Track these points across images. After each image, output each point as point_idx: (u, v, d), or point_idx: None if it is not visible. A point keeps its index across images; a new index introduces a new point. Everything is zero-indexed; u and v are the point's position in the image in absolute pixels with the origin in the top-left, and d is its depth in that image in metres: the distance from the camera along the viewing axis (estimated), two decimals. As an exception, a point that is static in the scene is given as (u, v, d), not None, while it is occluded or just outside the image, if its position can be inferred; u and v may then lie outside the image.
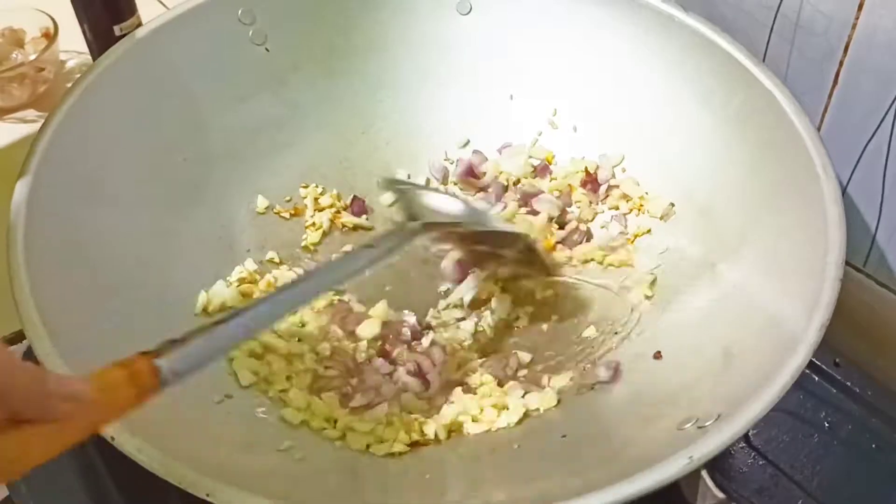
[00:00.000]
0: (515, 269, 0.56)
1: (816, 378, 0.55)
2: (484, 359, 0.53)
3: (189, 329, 0.33)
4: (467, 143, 0.64)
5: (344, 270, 0.44)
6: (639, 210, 0.58)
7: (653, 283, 0.55)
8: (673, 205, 0.57)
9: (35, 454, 0.27)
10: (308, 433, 0.47)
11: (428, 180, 0.63)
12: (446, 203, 0.53)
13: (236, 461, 0.42)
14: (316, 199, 0.60)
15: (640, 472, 0.36)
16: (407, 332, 0.53)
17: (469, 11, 0.62)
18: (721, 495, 0.45)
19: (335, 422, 0.48)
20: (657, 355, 0.50)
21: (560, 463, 0.44)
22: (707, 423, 0.39)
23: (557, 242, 0.58)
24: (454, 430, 0.49)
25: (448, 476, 0.46)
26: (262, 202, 0.60)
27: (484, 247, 0.55)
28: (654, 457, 0.37)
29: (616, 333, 0.53)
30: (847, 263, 0.44)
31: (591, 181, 0.60)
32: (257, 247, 0.58)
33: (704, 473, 0.47)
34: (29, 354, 0.41)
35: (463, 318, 0.55)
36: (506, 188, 0.62)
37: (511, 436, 0.48)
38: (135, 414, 0.31)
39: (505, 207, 0.60)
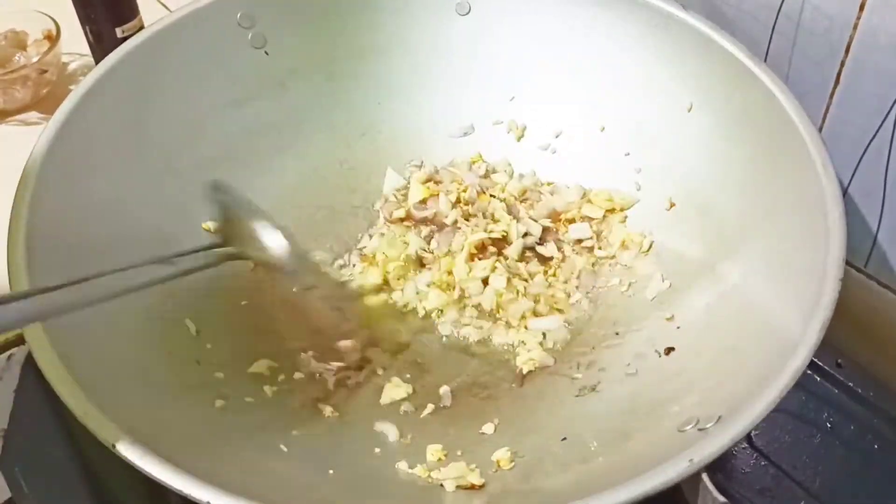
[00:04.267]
0: None
1: (818, 379, 0.54)
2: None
3: None
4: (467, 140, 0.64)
5: (134, 283, 0.42)
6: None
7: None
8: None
9: None
10: (307, 437, 0.47)
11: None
12: (271, 237, 0.49)
13: (237, 467, 0.42)
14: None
15: (640, 474, 0.35)
16: None
17: (468, 12, 0.62)
18: (722, 498, 0.45)
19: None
20: (667, 351, 0.50)
21: (560, 466, 0.44)
22: (708, 425, 0.39)
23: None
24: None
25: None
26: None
27: None
28: (655, 459, 0.37)
29: (617, 334, 0.53)
30: (848, 264, 0.44)
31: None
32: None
33: (705, 476, 0.47)
34: (29, 358, 0.41)
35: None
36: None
37: (512, 437, 0.48)
38: (136, 419, 0.31)
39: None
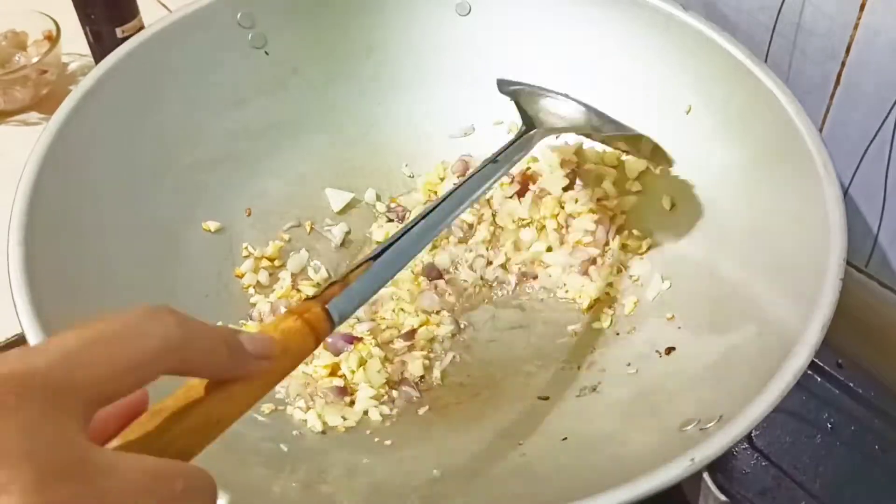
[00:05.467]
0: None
1: (819, 379, 0.54)
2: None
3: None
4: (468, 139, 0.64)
5: (476, 186, 0.44)
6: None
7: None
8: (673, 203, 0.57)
9: (234, 412, 0.27)
10: (309, 437, 0.47)
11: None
12: (564, 106, 0.54)
13: (238, 467, 0.42)
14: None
15: (641, 474, 0.35)
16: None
17: (468, 13, 0.62)
18: (723, 497, 0.45)
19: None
20: (667, 351, 0.50)
21: (561, 465, 0.44)
22: (709, 425, 0.39)
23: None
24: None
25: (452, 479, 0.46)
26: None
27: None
28: (656, 459, 0.37)
29: (617, 334, 0.53)
30: (849, 264, 0.44)
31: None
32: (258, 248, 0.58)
33: (706, 475, 0.47)
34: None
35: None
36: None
37: (512, 437, 0.48)
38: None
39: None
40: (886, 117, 0.51)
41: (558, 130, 0.55)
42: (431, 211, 0.41)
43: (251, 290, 0.56)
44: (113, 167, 0.52)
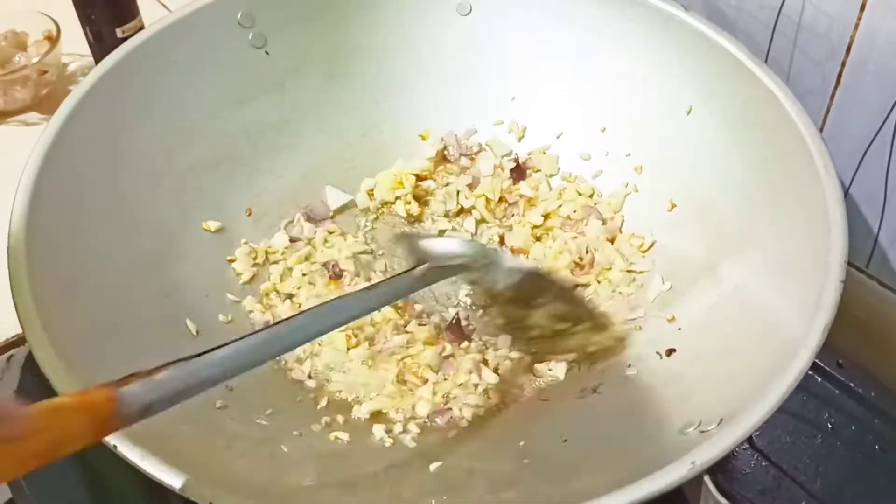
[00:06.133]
0: (553, 323, 0.53)
1: (819, 379, 0.54)
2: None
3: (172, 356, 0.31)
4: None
5: (346, 313, 0.41)
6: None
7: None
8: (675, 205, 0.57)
9: None
10: (309, 437, 0.47)
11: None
12: (452, 245, 0.51)
13: (239, 468, 0.42)
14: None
15: (641, 477, 0.35)
16: None
17: (469, 12, 0.62)
18: (724, 501, 0.45)
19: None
20: (668, 352, 0.50)
21: (561, 468, 0.44)
22: (709, 428, 0.39)
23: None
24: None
25: (449, 479, 0.46)
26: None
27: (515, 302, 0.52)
28: (656, 462, 0.36)
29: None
30: (849, 264, 0.43)
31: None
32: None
33: (706, 478, 0.47)
34: (30, 358, 0.41)
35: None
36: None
37: (513, 438, 0.48)
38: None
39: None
40: (887, 117, 0.51)
41: (446, 269, 0.49)
42: (282, 323, 0.38)
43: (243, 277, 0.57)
44: (113, 167, 0.52)
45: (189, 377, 0.32)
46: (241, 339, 0.35)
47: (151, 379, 0.30)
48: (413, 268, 0.46)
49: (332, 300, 0.41)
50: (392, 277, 0.47)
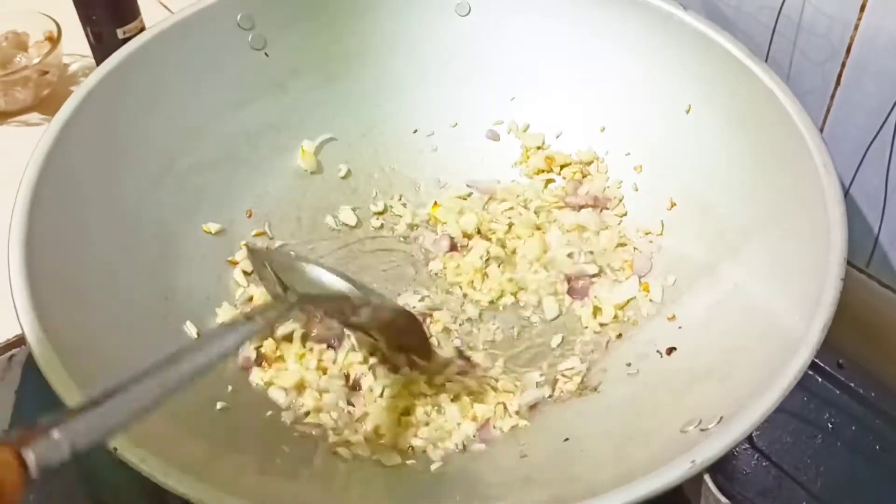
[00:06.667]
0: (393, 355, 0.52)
1: (819, 379, 0.54)
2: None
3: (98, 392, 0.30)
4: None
5: (223, 346, 0.39)
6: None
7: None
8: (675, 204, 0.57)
9: None
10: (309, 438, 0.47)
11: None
12: (323, 276, 0.48)
13: (240, 470, 0.42)
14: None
15: (642, 475, 0.36)
16: None
17: (468, 13, 0.62)
18: (724, 500, 0.45)
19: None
20: (668, 351, 0.50)
21: (562, 466, 0.44)
22: (710, 426, 0.39)
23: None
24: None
25: (451, 479, 0.46)
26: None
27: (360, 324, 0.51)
28: (657, 460, 0.37)
29: (619, 336, 0.53)
30: (849, 264, 0.44)
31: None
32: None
33: (707, 476, 0.47)
34: (31, 358, 0.41)
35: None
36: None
37: (514, 438, 0.48)
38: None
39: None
40: (887, 117, 0.51)
41: (319, 298, 0.48)
42: (166, 364, 0.35)
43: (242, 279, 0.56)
44: (113, 168, 0.52)
45: (96, 424, 0.29)
46: (127, 385, 0.32)
47: (56, 438, 0.28)
48: (284, 295, 0.45)
49: (201, 340, 0.41)
50: (265, 307, 0.46)
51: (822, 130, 0.55)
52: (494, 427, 0.49)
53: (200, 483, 0.36)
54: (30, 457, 0.26)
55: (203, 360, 0.37)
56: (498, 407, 0.50)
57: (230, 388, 0.49)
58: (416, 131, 0.64)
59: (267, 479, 0.43)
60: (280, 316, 0.45)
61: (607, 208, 0.59)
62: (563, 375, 0.51)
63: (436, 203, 0.61)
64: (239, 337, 0.41)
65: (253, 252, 0.54)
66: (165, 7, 0.81)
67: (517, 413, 0.49)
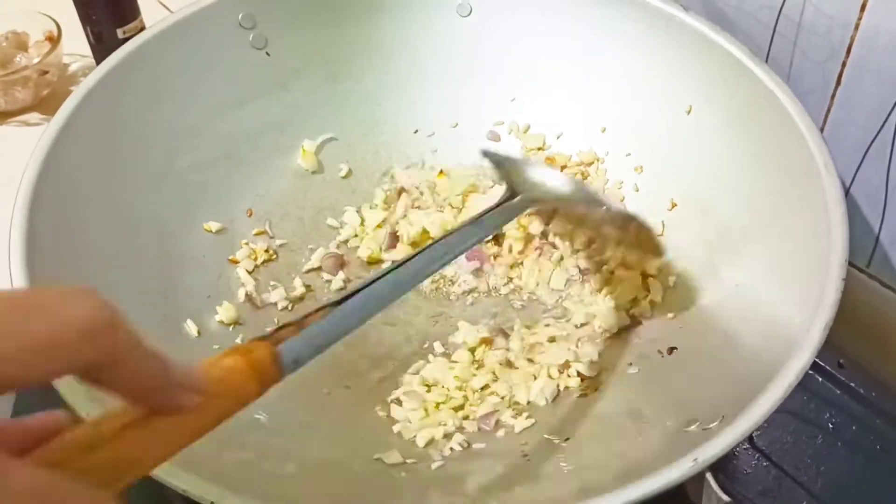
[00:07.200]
0: (622, 250, 0.56)
1: (820, 379, 0.54)
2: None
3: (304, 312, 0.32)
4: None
5: (455, 247, 0.42)
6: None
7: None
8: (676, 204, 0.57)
9: (152, 454, 0.24)
10: (311, 437, 0.47)
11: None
12: (550, 177, 0.52)
13: (241, 467, 0.42)
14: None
15: (644, 475, 0.35)
16: None
17: (469, 14, 0.62)
18: (726, 498, 0.45)
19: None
20: (669, 350, 0.50)
21: (563, 466, 0.44)
22: (711, 425, 0.39)
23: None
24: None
25: (452, 478, 0.46)
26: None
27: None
28: (659, 459, 0.37)
29: (620, 336, 0.53)
30: (850, 264, 0.43)
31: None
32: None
33: (709, 475, 0.47)
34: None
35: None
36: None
37: (515, 438, 0.48)
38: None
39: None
40: (888, 117, 0.51)
41: (546, 201, 0.51)
42: (404, 263, 0.38)
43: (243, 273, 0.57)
44: (114, 168, 0.52)
45: (332, 328, 0.32)
46: (362, 287, 0.35)
47: (306, 332, 0.30)
48: (510, 198, 0.47)
49: (441, 238, 0.41)
50: (493, 208, 0.46)
51: (822, 130, 0.55)
52: (499, 422, 0.49)
53: (202, 479, 0.36)
54: (283, 352, 0.28)
55: (434, 258, 0.40)
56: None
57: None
58: (416, 131, 0.64)
59: (270, 478, 0.43)
60: (508, 217, 0.47)
61: None
62: (566, 375, 0.51)
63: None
64: (470, 239, 0.43)
65: (487, 154, 0.55)
66: (165, 7, 0.81)
67: (525, 410, 0.50)
